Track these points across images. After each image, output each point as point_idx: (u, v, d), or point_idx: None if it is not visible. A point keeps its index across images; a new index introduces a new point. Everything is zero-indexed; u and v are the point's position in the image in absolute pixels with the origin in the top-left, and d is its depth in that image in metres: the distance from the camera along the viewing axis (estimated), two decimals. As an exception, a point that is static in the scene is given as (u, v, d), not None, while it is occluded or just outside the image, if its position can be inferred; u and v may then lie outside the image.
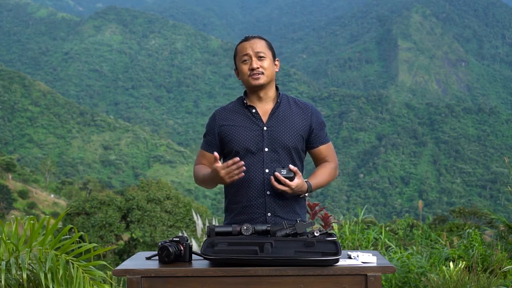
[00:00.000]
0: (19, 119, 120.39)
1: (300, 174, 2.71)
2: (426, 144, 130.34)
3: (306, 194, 2.79)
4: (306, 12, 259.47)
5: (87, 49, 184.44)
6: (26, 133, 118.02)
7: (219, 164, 2.66)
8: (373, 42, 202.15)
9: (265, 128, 2.82)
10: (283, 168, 2.68)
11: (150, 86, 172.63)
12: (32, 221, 3.49)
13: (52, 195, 63.71)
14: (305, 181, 2.75)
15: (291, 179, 2.66)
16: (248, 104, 2.87)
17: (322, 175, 2.86)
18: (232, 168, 2.65)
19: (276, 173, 2.65)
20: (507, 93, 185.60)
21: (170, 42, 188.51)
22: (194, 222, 23.41)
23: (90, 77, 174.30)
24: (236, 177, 2.67)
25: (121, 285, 6.39)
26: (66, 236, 3.57)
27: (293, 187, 2.66)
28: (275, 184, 2.66)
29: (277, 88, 2.92)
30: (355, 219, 7.60)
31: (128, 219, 23.89)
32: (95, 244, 3.46)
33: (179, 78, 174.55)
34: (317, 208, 5.39)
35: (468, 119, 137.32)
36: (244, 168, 2.67)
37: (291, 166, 2.66)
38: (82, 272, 3.40)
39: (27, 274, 3.35)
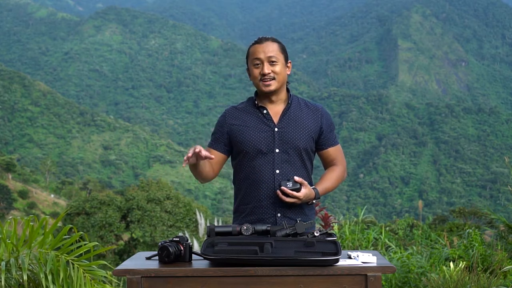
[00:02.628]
0: (19, 119, 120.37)
1: (306, 183, 2.71)
2: (426, 144, 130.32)
3: (314, 201, 2.80)
4: (306, 12, 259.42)
5: (87, 49, 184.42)
6: (26, 133, 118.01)
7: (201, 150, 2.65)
8: (373, 42, 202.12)
9: (276, 129, 2.82)
10: (288, 180, 2.69)
11: (150, 86, 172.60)
12: (31, 222, 3.49)
13: (52, 195, 63.67)
14: (313, 187, 2.76)
15: (298, 190, 2.67)
16: (259, 105, 2.86)
17: (329, 180, 2.86)
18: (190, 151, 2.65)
19: (283, 187, 2.66)
20: (507, 93, 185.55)
21: (170, 42, 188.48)
22: (194, 222, 23.42)
23: (90, 77, 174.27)
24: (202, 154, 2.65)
25: (121, 285, 6.38)
26: (66, 236, 3.56)
27: (301, 197, 2.68)
28: (283, 197, 2.67)
29: (288, 90, 2.91)
30: (355, 219, 7.59)
31: (128, 219, 23.87)
32: (96, 243, 3.46)
33: (179, 78, 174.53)
34: (317, 208, 5.39)
35: (468, 119, 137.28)
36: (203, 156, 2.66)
37: (296, 178, 2.68)
38: (83, 272, 3.39)
39: (27, 275, 3.34)
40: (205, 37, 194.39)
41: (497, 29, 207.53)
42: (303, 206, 2.83)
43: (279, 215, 2.78)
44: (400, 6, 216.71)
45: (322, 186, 2.81)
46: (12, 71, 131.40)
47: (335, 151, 2.93)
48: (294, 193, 2.66)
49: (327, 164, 2.95)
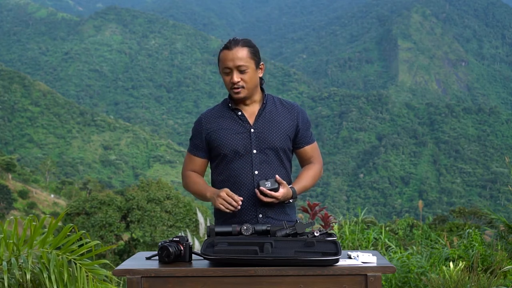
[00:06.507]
0: (19, 119, 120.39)
1: (285, 183, 2.72)
2: (426, 144, 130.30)
3: (291, 200, 2.81)
4: (306, 12, 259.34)
5: (87, 49, 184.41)
6: (26, 133, 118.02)
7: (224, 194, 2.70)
8: (373, 42, 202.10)
9: (252, 130, 2.83)
10: (267, 180, 2.70)
11: (150, 86, 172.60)
12: (32, 221, 3.49)
13: (52, 195, 63.66)
14: (290, 187, 2.77)
15: (276, 190, 2.69)
16: (234, 107, 2.87)
17: (306, 178, 2.88)
18: (229, 200, 2.69)
19: (261, 188, 2.67)
20: (507, 93, 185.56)
21: (170, 42, 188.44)
22: (194, 222, 23.41)
23: (90, 77, 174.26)
24: (227, 210, 2.70)
25: (121, 285, 6.39)
26: (67, 235, 3.56)
27: (279, 197, 2.69)
28: (261, 197, 2.68)
29: (262, 90, 2.92)
30: (355, 219, 7.58)
31: (128, 219, 23.88)
32: (97, 242, 3.46)
33: (179, 78, 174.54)
34: (317, 208, 5.39)
35: (468, 119, 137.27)
36: (239, 208, 2.70)
37: (277, 177, 2.69)
38: (86, 272, 3.40)
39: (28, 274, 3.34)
40: (205, 37, 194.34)
41: (497, 29, 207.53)
42: (284, 205, 2.84)
43: (260, 215, 2.79)
44: (400, 6, 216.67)
45: (299, 185, 2.83)
46: (12, 71, 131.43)
47: (312, 149, 2.95)
48: (272, 193, 2.67)
49: (304, 162, 2.96)
